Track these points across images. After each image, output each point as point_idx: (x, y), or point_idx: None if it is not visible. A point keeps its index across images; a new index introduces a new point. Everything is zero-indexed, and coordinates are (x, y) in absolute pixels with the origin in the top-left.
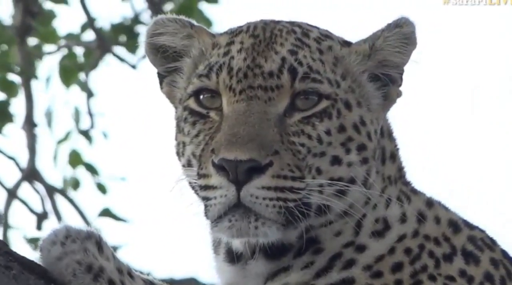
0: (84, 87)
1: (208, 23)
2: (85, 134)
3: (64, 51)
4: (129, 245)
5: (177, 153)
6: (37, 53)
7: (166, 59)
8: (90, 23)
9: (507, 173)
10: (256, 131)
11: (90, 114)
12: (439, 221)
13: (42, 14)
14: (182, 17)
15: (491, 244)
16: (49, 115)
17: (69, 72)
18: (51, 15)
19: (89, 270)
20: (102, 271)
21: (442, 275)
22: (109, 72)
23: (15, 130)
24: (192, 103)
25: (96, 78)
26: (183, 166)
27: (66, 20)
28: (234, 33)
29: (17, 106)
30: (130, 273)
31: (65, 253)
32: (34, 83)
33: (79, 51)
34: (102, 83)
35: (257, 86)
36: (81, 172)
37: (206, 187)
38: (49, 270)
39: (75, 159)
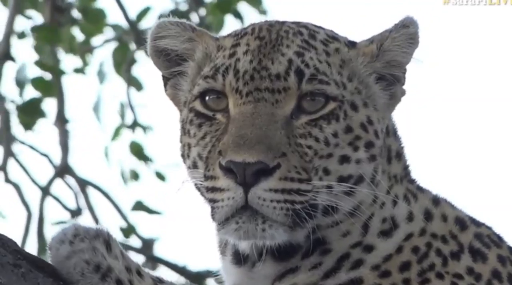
0: (132, 80)
1: (262, 12)
2: (133, 127)
3: (110, 46)
4: (166, 237)
5: (182, 155)
6: (86, 47)
7: (170, 62)
8: (125, 18)
9: None
10: (263, 133)
11: (132, 108)
12: (446, 218)
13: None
14: (184, 20)
15: (498, 241)
16: (97, 109)
17: (119, 64)
18: (101, 13)
19: (97, 270)
20: (110, 270)
21: (450, 273)
22: (147, 66)
23: (48, 127)
24: (198, 105)
25: (136, 71)
26: (189, 167)
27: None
28: (239, 35)
29: (50, 103)
30: (139, 272)
31: (73, 252)
32: (81, 79)
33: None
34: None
35: (264, 88)
36: (131, 165)
37: (213, 189)
38: (57, 269)
39: (136, 150)
